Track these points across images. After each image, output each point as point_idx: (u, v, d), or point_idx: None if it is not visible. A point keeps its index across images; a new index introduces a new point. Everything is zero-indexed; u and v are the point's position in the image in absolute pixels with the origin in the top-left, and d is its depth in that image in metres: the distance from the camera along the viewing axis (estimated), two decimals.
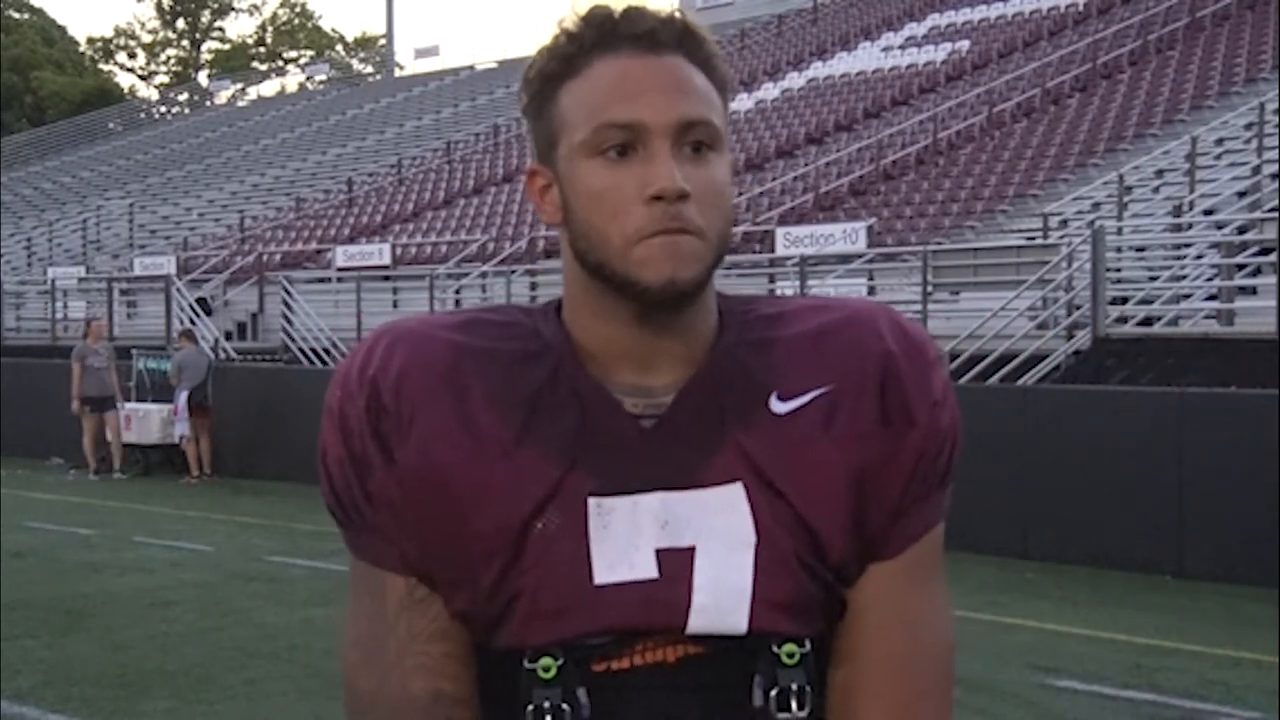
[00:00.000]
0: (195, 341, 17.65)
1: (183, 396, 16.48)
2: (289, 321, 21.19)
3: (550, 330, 1.40)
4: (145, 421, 17.09)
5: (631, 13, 1.35)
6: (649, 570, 1.33)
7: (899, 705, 1.39)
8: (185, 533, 12.37)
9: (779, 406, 1.36)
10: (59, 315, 24.47)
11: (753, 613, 1.33)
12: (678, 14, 1.37)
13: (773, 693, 1.35)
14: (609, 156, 1.32)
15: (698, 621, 1.33)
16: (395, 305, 21.84)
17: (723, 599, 1.33)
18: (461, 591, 1.36)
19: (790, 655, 1.35)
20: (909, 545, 1.39)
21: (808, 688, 1.35)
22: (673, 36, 1.35)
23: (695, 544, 1.33)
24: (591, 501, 1.33)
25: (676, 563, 1.33)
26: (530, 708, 1.33)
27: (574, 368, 1.37)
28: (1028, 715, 6.50)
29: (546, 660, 1.33)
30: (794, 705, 1.35)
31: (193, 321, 20.78)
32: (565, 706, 1.33)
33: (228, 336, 22.09)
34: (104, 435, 17.08)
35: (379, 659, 1.39)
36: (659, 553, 1.33)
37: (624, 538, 1.33)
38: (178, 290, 21.99)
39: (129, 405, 17.26)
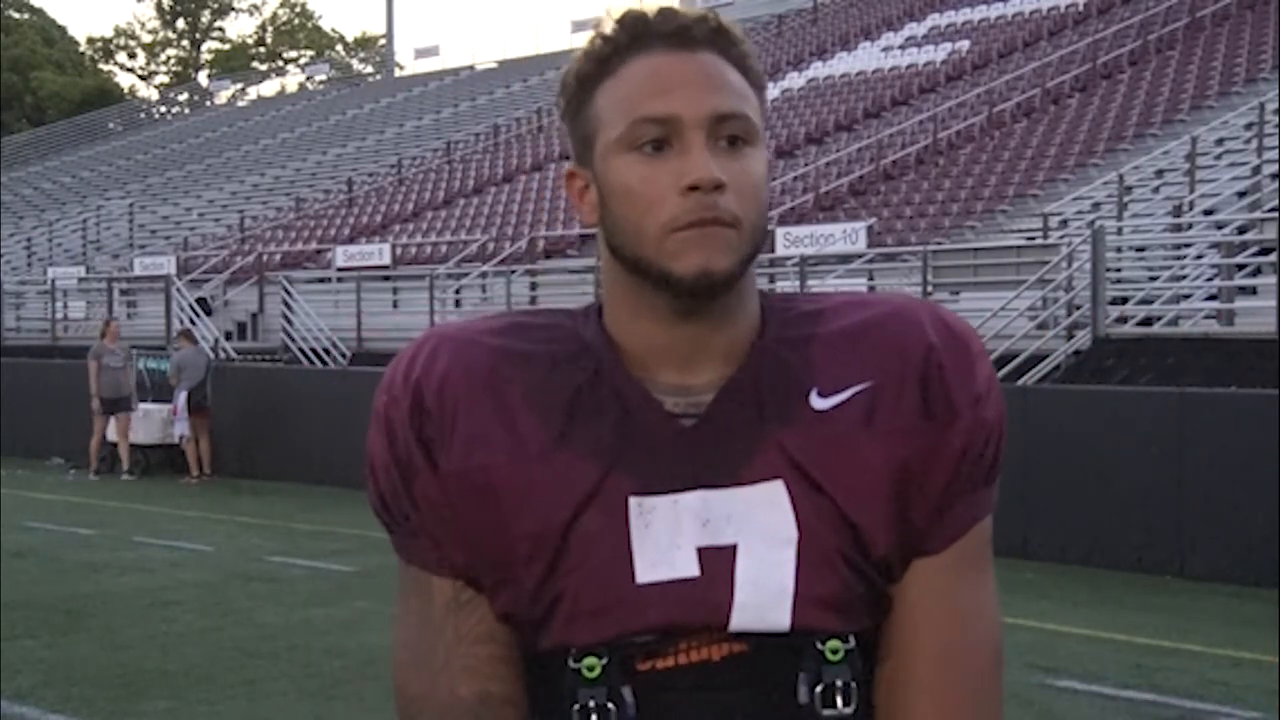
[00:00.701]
0: (194, 341, 17.65)
1: (182, 396, 16.49)
2: (289, 321, 21.19)
3: (590, 332, 1.40)
4: (145, 421, 17.09)
5: (664, 12, 1.37)
6: (690, 569, 1.33)
7: (948, 701, 1.39)
8: (185, 533, 12.37)
9: (819, 403, 1.36)
10: (59, 315, 24.48)
11: (795, 610, 1.33)
12: (710, 13, 1.38)
13: (818, 689, 1.35)
14: (644, 151, 1.33)
15: (740, 619, 1.33)
16: (395, 305, 21.86)
17: (765, 596, 1.33)
18: (505, 593, 1.37)
19: (835, 652, 1.35)
20: (954, 540, 1.38)
21: (853, 684, 1.35)
22: (705, 34, 1.37)
23: (736, 542, 1.34)
24: (632, 501, 1.34)
25: (718, 561, 1.33)
26: (576, 707, 1.34)
27: (614, 368, 1.38)
28: (1028, 715, 6.50)
29: (591, 660, 1.34)
30: (839, 701, 1.35)
31: (193, 321, 20.78)
32: (610, 705, 1.34)
33: (228, 336, 22.10)
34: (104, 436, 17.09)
35: (427, 662, 1.41)
36: (700, 551, 1.34)
37: (665, 536, 1.34)
38: (178, 290, 21.99)
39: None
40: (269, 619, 8.64)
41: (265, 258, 25.28)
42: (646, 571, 1.33)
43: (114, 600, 9.21)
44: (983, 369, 1.41)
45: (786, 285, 16.95)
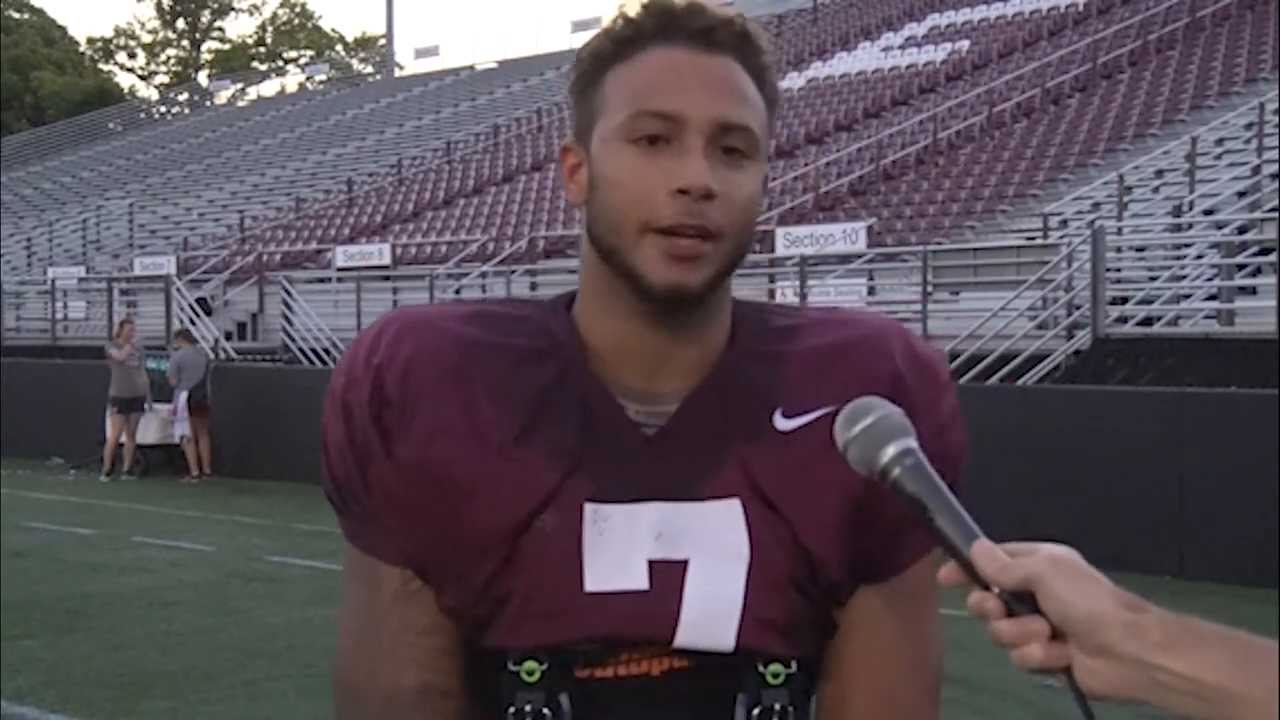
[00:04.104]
0: (192, 341, 17.66)
1: (182, 397, 16.49)
2: (289, 321, 21.20)
3: (560, 327, 1.38)
4: (145, 421, 17.09)
5: (693, 7, 1.34)
6: (640, 581, 1.31)
7: None
8: (185, 533, 12.37)
9: (783, 423, 1.34)
10: (59, 315, 24.48)
11: (741, 630, 1.31)
12: (739, 16, 1.36)
13: (755, 711, 1.33)
14: (642, 144, 1.31)
15: (685, 636, 1.31)
16: (395, 305, 21.82)
17: (712, 614, 1.31)
18: (452, 588, 1.35)
19: (775, 675, 1.33)
20: (903, 569, 1.37)
21: (791, 708, 1.34)
22: (730, 38, 1.34)
23: (689, 557, 1.32)
24: (588, 508, 1.32)
25: (669, 575, 1.32)
26: (512, 710, 1.32)
27: (581, 369, 1.36)
28: (1028, 715, 6.50)
29: (531, 664, 1.32)
30: None
31: (193, 321, 20.78)
32: (547, 711, 1.32)
33: (228, 336, 22.10)
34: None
35: (371, 649, 1.39)
36: (652, 564, 1.32)
37: (618, 546, 1.32)
38: (178, 290, 21.98)
39: None
40: (269, 619, 8.64)
41: (265, 258, 25.29)
42: (596, 580, 1.31)
43: (114, 600, 9.21)
44: (948, 400, 1.40)
45: (787, 285, 16.95)
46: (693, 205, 1.28)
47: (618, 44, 1.35)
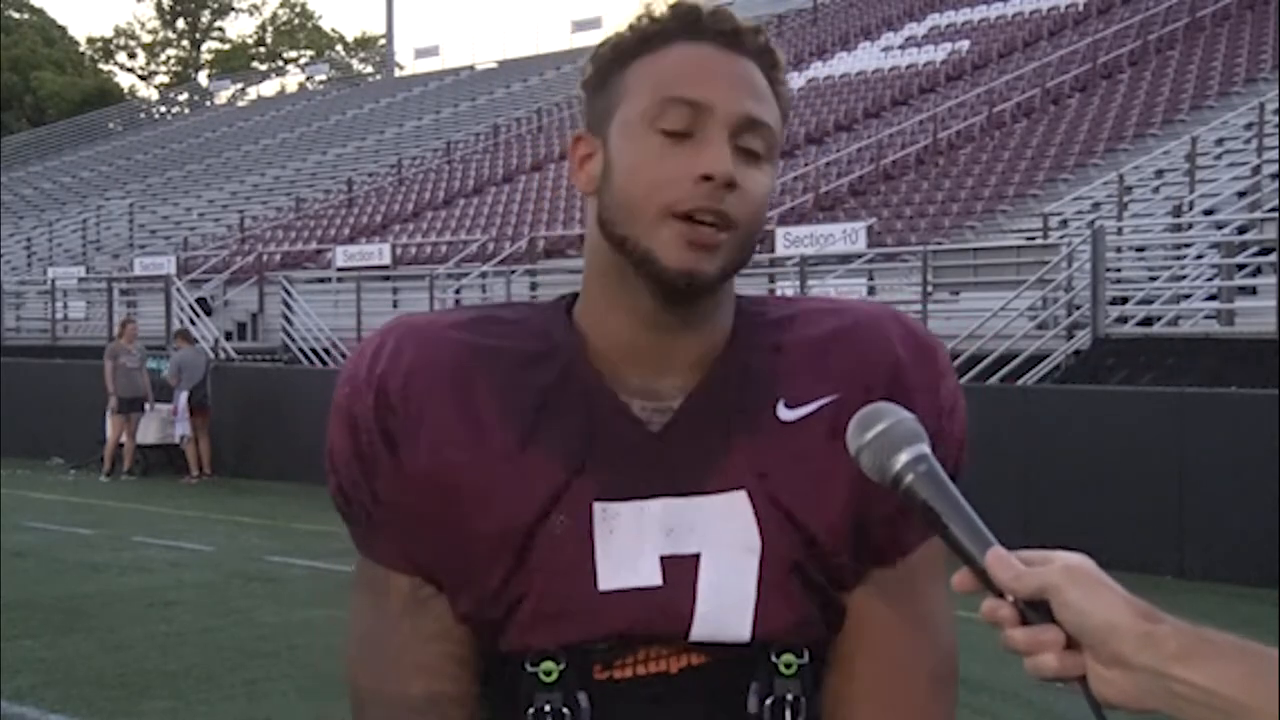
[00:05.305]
0: (191, 341, 17.66)
1: (182, 397, 16.49)
2: (289, 321, 21.20)
3: (560, 329, 1.39)
4: (145, 421, 17.09)
5: (720, 11, 1.36)
6: (653, 577, 1.32)
7: (894, 713, 1.38)
8: (185, 533, 12.36)
9: (786, 414, 1.35)
10: (59, 315, 24.48)
11: (756, 621, 1.32)
12: (763, 29, 1.39)
13: (768, 701, 1.34)
14: (664, 132, 1.31)
15: (701, 629, 1.32)
16: (395, 305, 21.85)
17: (727, 607, 1.32)
18: (466, 593, 1.35)
19: (788, 665, 1.34)
20: (908, 553, 1.38)
21: (803, 698, 1.35)
22: (755, 45, 1.36)
23: (700, 551, 1.33)
24: (597, 506, 1.33)
25: (681, 570, 1.32)
26: (531, 710, 1.33)
27: (583, 369, 1.36)
28: (1028, 715, 6.50)
29: (549, 664, 1.33)
30: (788, 715, 1.34)
31: (193, 321, 20.78)
32: (566, 710, 1.33)
33: (228, 336, 22.10)
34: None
35: (379, 657, 1.39)
36: (663, 560, 1.32)
37: (629, 544, 1.33)
38: (178, 290, 21.98)
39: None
40: (269, 619, 8.64)
41: (265, 258, 25.29)
42: (609, 578, 1.32)
43: (114, 600, 9.21)
44: (948, 383, 1.40)
45: (787, 285, 16.95)
46: (714, 192, 1.29)
47: (643, 39, 1.36)
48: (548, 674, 1.33)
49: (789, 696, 1.34)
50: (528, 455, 1.33)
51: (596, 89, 1.38)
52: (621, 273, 1.34)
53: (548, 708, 1.33)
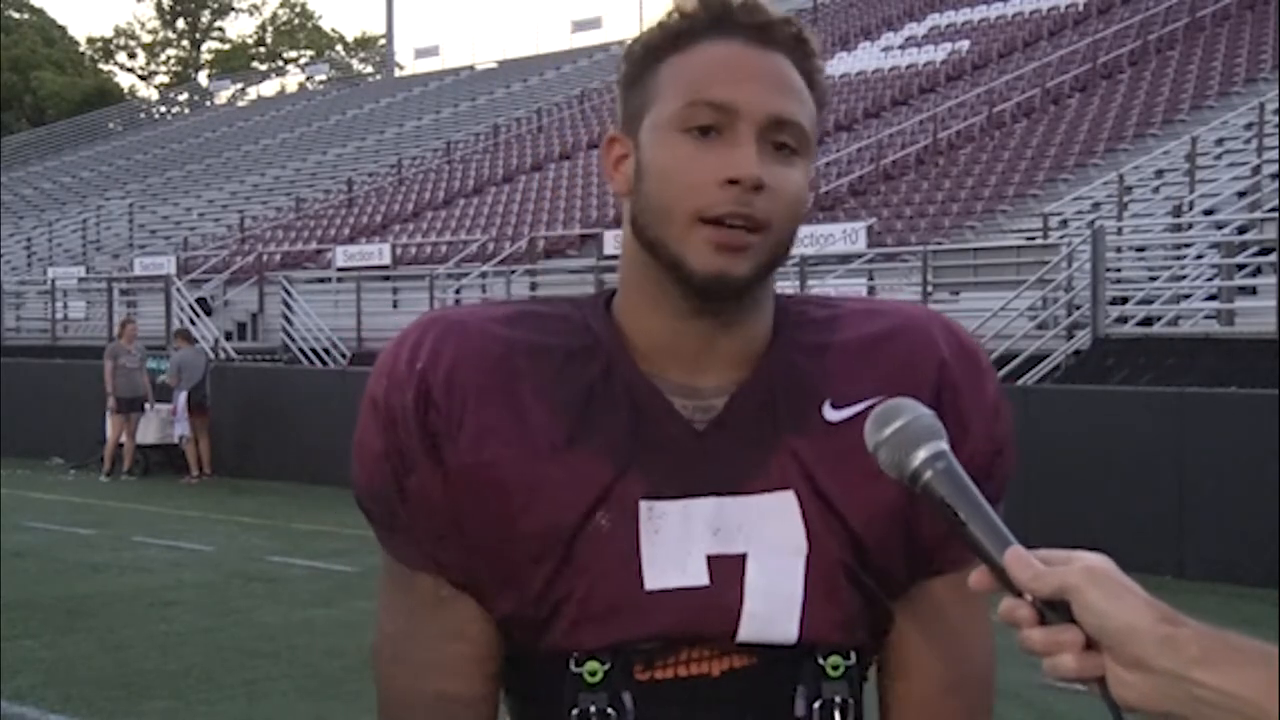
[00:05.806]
0: (191, 341, 17.65)
1: (182, 397, 16.48)
2: (289, 321, 21.20)
3: (600, 324, 1.37)
4: (145, 421, 17.09)
5: (751, 4, 1.34)
6: (700, 577, 1.31)
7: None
8: (185, 533, 12.36)
9: (833, 414, 1.34)
10: (59, 315, 24.48)
11: (803, 621, 1.31)
12: (794, 17, 1.36)
13: (816, 704, 1.33)
14: (694, 135, 1.30)
15: (748, 629, 1.31)
16: (395, 305, 21.86)
17: (774, 607, 1.31)
18: (509, 593, 1.34)
19: (835, 667, 1.34)
20: (962, 561, 1.33)
21: (850, 700, 1.34)
22: (786, 37, 1.34)
23: (747, 551, 1.32)
24: (643, 505, 1.31)
25: (728, 569, 1.31)
26: (575, 711, 1.32)
27: (627, 366, 1.34)
28: (1028, 715, 6.50)
29: (593, 664, 1.31)
30: (836, 717, 1.34)
31: (193, 321, 20.78)
32: (610, 711, 1.31)
33: (227, 336, 22.10)
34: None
35: (400, 655, 1.39)
36: (710, 559, 1.31)
37: (675, 543, 1.31)
38: (178, 290, 21.99)
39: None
40: (269, 619, 8.64)
41: (265, 258, 25.29)
42: (656, 578, 1.30)
43: (114, 600, 9.21)
44: (992, 385, 1.40)
45: (786, 285, 16.93)
46: (742, 195, 1.28)
47: (673, 36, 1.35)
48: (592, 674, 1.31)
49: (837, 699, 1.33)
50: (575, 452, 1.31)
51: (629, 88, 1.37)
52: (658, 275, 1.33)
53: (593, 708, 1.31)
